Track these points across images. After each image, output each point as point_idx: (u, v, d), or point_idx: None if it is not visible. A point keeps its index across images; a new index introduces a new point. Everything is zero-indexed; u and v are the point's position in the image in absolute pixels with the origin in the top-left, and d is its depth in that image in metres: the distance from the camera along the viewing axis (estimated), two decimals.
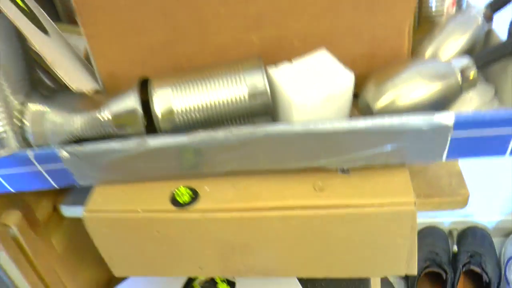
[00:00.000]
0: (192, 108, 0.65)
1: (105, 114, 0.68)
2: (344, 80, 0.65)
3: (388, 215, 0.63)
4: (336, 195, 0.65)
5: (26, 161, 0.68)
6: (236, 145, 0.63)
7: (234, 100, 0.65)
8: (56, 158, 0.67)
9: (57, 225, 0.98)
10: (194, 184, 0.70)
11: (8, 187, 0.73)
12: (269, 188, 0.68)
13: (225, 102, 0.65)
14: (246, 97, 0.65)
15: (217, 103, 0.65)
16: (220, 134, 0.63)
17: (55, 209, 0.95)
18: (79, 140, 0.69)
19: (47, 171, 0.70)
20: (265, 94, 0.65)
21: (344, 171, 0.69)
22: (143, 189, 0.71)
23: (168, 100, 0.66)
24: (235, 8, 0.69)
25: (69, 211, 0.93)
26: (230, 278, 0.92)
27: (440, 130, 0.59)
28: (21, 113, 0.70)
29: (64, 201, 0.94)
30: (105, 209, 0.70)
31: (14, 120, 0.70)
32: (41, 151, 0.68)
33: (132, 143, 0.64)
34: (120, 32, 0.71)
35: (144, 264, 0.78)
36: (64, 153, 0.67)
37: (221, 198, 0.67)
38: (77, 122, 0.69)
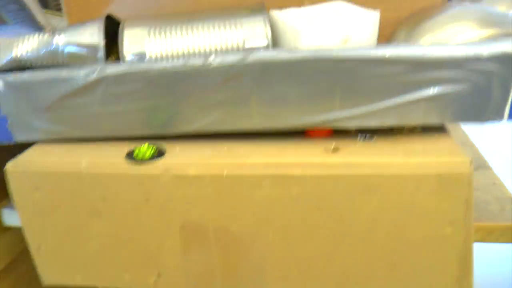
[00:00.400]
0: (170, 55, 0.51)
1: (60, 39, 0.53)
2: (366, 19, 0.51)
3: (430, 179, 0.44)
4: (355, 155, 0.47)
5: None
6: (220, 80, 0.47)
7: (227, 47, 0.51)
8: None
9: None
10: (164, 146, 0.52)
11: None
12: (260, 151, 0.50)
13: (215, 49, 0.50)
14: (242, 44, 0.51)
15: (203, 51, 0.51)
16: (198, 60, 0.47)
17: None
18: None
19: None
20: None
21: (366, 137, 0.51)
22: (94, 148, 0.53)
23: (141, 42, 0.52)
24: None
25: (12, 217, 0.73)
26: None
27: (506, 63, 0.42)
28: None
29: (8, 205, 0.75)
30: (38, 161, 0.51)
31: None
32: None
33: (84, 70, 0.48)
34: None
35: (81, 259, 0.56)
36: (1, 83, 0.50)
37: (194, 156, 0.49)
38: (23, 44, 0.54)
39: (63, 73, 0.50)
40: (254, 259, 0.51)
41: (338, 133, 0.52)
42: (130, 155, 0.50)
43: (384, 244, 0.47)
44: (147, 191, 0.49)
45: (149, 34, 0.53)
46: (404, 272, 0.49)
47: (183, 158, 0.50)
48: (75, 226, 0.54)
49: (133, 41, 0.54)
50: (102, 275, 0.56)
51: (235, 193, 0.48)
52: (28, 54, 0.54)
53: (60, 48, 0.53)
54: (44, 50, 0.53)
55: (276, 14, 0.54)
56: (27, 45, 0.54)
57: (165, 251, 0.53)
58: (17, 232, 0.75)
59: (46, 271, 0.57)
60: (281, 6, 0.58)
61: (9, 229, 0.80)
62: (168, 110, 0.51)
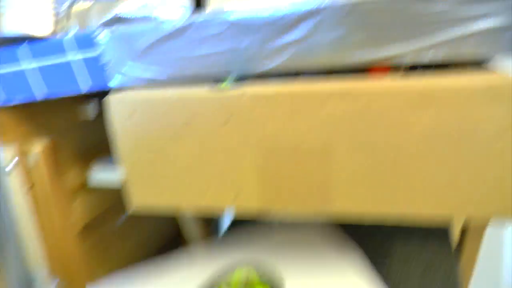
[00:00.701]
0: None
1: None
2: None
3: (481, 90, 0.49)
4: (412, 80, 0.54)
5: (60, 48, 0.63)
6: (288, 22, 0.55)
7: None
8: (92, 43, 0.62)
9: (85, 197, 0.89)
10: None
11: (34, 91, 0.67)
12: (329, 81, 0.58)
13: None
14: None
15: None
16: (266, 8, 0.55)
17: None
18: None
19: (79, 63, 0.64)
20: None
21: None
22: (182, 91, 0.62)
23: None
24: None
25: (97, 179, 0.85)
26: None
27: None
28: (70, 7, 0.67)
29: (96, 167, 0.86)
30: (132, 93, 0.62)
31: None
32: (79, 34, 0.63)
33: (178, 20, 0.58)
34: None
35: (166, 181, 0.65)
36: (103, 34, 0.61)
37: (267, 86, 0.57)
38: (121, 3, 0.64)
39: (154, 22, 0.60)
40: (322, 172, 0.59)
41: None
42: (212, 85, 0.60)
43: (442, 153, 0.53)
44: (227, 112, 0.58)
45: None
46: (461, 179, 0.55)
47: (259, 89, 0.58)
48: (162, 149, 0.63)
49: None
50: (185, 195, 0.66)
51: (306, 110, 0.56)
52: (126, 12, 0.64)
53: (151, 7, 0.62)
54: (139, 8, 0.63)
55: None
56: (124, 6, 0.64)
57: (243, 169, 0.61)
58: (101, 194, 0.87)
59: (135, 193, 0.67)
60: None
61: (94, 190, 0.90)
62: (247, 52, 0.59)
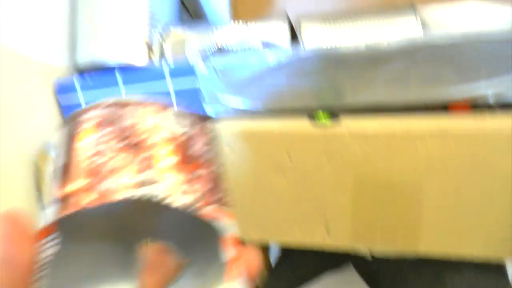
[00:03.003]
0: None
1: (250, 33, 0.69)
2: (500, 13, 0.64)
3: None
4: (498, 120, 0.58)
5: (153, 76, 0.69)
6: (388, 59, 0.61)
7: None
8: (187, 72, 0.67)
9: None
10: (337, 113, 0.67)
11: None
12: (420, 118, 0.62)
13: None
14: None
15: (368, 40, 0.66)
16: (369, 45, 0.61)
17: None
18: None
19: (173, 92, 0.70)
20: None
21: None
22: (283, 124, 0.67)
23: (317, 34, 0.67)
24: None
25: None
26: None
27: None
28: (163, 36, 0.73)
29: None
30: (232, 124, 0.66)
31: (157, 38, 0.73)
32: (174, 62, 0.68)
33: (274, 54, 0.63)
34: None
35: (259, 214, 0.69)
36: (201, 64, 0.66)
37: (367, 121, 0.63)
38: (218, 34, 0.70)
39: (255, 55, 0.66)
40: (413, 211, 0.64)
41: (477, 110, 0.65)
42: (311, 117, 0.65)
43: None
44: (328, 148, 0.63)
45: (323, 27, 0.68)
46: None
47: (358, 123, 0.63)
48: (259, 182, 0.67)
49: (310, 33, 0.69)
50: (274, 230, 0.70)
51: (403, 150, 0.61)
52: (226, 43, 0.70)
53: (251, 40, 0.69)
54: (238, 41, 0.69)
55: (424, 9, 0.68)
56: (223, 37, 0.70)
57: (336, 206, 0.66)
58: None
59: (240, 225, 0.71)
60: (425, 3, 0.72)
61: None
62: (341, 86, 0.65)
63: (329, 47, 0.64)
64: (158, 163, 0.23)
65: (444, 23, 0.66)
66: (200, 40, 0.72)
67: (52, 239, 0.22)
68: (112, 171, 0.22)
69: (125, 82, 0.72)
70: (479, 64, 0.60)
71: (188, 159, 0.24)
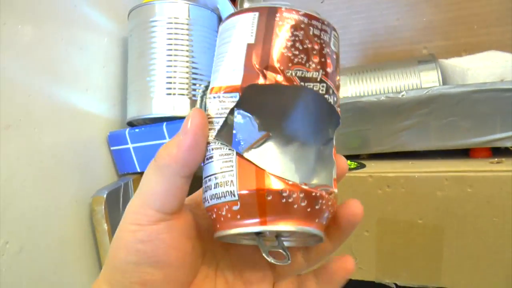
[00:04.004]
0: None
1: None
2: None
3: None
4: None
5: None
6: (407, 108, 0.68)
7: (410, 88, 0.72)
8: None
9: None
10: (362, 162, 0.73)
11: None
12: (439, 163, 0.69)
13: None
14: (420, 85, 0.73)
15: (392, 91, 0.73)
16: (392, 95, 0.68)
17: None
18: None
19: None
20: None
21: None
22: None
23: (343, 87, 0.75)
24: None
25: None
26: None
27: None
28: (205, 92, 0.83)
29: None
30: None
31: (200, 91, 0.82)
32: None
33: None
34: None
35: None
36: None
37: (388, 166, 0.69)
38: None
39: None
40: (433, 249, 0.69)
41: (497, 154, 0.70)
42: None
43: None
44: (354, 192, 0.70)
45: (349, 81, 0.76)
46: None
47: (381, 168, 0.70)
48: None
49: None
50: None
51: (422, 193, 0.67)
52: None
53: None
54: None
55: (444, 61, 0.75)
56: None
57: (362, 242, 0.72)
58: None
59: None
60: (445, 57, 0.79)
61: None
62: (365, 134, 0.72)
63: (352, 97, 0.72)
64: (324, 69, 0.30)
65: (464, 74, 0.72)
66: None
67: (231, 97, 0.30)
68: (296, 64, 0.29)
69: (171, 136, 0.81)
70: (496, 115, 0.66)
71: (336, 70, 0.32)
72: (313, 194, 0.29)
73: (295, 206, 0.28)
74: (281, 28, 0.30)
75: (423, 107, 0.69)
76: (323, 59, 0.31)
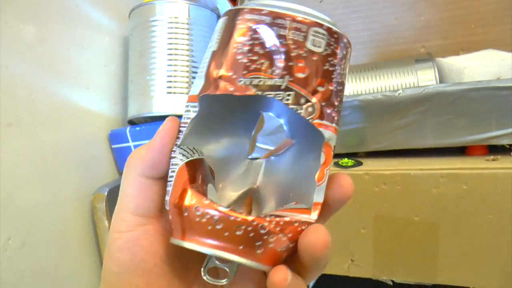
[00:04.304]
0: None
1: None
2: None
3: None
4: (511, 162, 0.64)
5: None
6: (404, 107, 0.69)
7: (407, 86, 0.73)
8: None
9: None
10: (360, 160, 0.74)
11: None
12: (435, 161, 0.70)
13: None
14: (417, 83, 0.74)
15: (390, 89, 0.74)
16: (387, 93, 0.69)
17: None
18: None
19: None
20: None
21: None
22: None
23: None
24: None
25: None
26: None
27: None
28: None
29: None
30: None
31: None
32: None
33: None
34: None
35: None
36: None
37: (385, 164, 0.70)
38: None
39: None
40: (429, 245, 0.69)
41: (493, 151, 0.71)
42: (336, 164, 0.73)
43: None
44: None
45: (347, 80, 0.77)
46: None
47: (377, 165, 0.71)
48: None
49: None
50: None
51: (418, 190, 0.68)
52: None
53: None
54: None
55: (441, 60, 0.76)
56: None
57: (359, 240, 0.73)
58: None
59: None
60: (442, 56, 0.80)
61: None
62: (363, 132, 0.73)
63: (350, 95, 0.73)
64: (292, 74, 0.27)
65: (461, 72, 0.73)
66: None
67: (194, 106, 0.29)
68: (253, 71, 0.27)
69: None
70: (491, 113, 0.67)
71: (316, 75, 0.28)
72: (231, 218, 0.27)
73: (209, 227, 0.27)
74: (239, 31, 0.28)
75: (420, 105, 0.69)
76: (290, 63, 0.27)
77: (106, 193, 0.81)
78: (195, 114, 0.29)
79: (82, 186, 0.84)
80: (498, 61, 0.72)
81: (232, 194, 0.34)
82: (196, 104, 0.29)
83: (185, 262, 0.32)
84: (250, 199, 0.35)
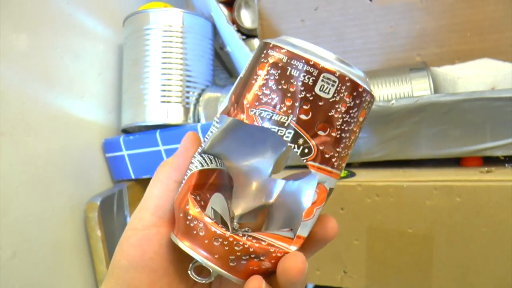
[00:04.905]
0: None
1: None
2: (509, 70, 0.70)
3: None
4: (506, 174, 0.64)
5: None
6: (397, 117, 0.68)
7: (401, 96, 0.73)
8: None
9: None
10: (353, 170, 0.74)
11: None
12: (429, 173, 0.70)
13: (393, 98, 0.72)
14: (411, 93, 0.73)
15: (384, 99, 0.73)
16: (382, 103, 0.69)
17: None
18: None
19: None
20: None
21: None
22: None
23: None
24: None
25: None
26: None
27: None
28: (198, 99, 0.84)
29: None
30: None
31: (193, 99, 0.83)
32: (207, 123, 0.78)
33: None
34: None
35: None
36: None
37: (379, 175, 0.70)
38: None
39: None
40: (423, 257, 0.69)
41: (488, 162, 0.71)
42: None
43: None
44: (343, 200, 0.70)
45: None
46: None
47: (370, 176, 0.70)
48: None
49: None
50: None
51: (411, 202, 0.67)
52: None
53: None
54: None
55: (436, 69, 0.75)
56: None
57: (352, 251, 0.72)
58: None
59: None
60: (438, 65, 0.79)
61: None
62: (356, 143, 0.73)
63: None
64: (296, 115, 0.28)
65: (455, 82, 0.72)
66: None
67: (217, 122, 0.32)
68: (263, 104, 0.29)
69: (164, 143, 0.82)
70: (486, 123, 0.66)
71: (319, 119, 0.29)
72: (212, 229, 0.30)
73: (194, 232, 0.30)
74: (262, 65, 0.30)
75: (414, 115, 0.69)
76: (296, 104, 0.28)
77: (99, 203, 0.81)
78: (216, 129, 0.32)
79: (75, 195, 0.84)
80: (493, 71, 0.72)
81: (246, 206, 0.38)
82: (217, 120, 0.32)
83: (187, 267, 0.35)
84: (264, 213, 0.38)
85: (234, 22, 1.00)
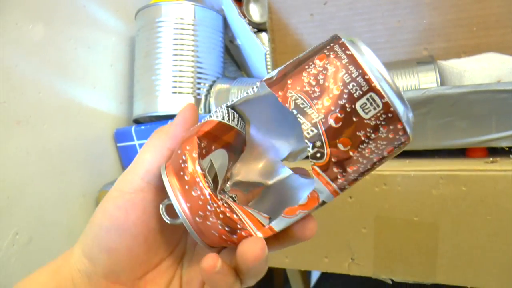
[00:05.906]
0: None
1: None
2: None
3: None
4: (511, 164, 0.66)
5: None
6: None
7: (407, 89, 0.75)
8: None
9: None
10: None
11: None
12: (435, 162, 0.71)
13: None
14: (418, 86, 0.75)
15: None
16: None
17: None
18: None
19: None
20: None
21: None
22: None
23: None
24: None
25: None
26: None
27: None
28: (209, 91, 0.86)
29: None
30: None
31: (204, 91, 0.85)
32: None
33: None
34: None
35: None
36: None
37: (386, 165, 0.71)
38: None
39: None
40: (429, 245, 0.71)
41: (493, 153, 0.73)
42: None
43: None
44: (352, 189, 0.71)
45: None
46: None
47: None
48: None
49: None
50: (306, 259, 0.79)
51: (418, 191, 0.69)
52: None
53: None
54: None
55: (442, 62, 0.77)
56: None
57: (360, 239, 0.74)
58: None
59: None
60: (444, 59, 0.81)
61: None
62: None
63: None
64: (326, 117, 0.28)
65: (461, 75, 0.75)
66: (241, 92, 0.84)
67: (257, 86, 0.32)
68: (303, 92, 0.28)
69: None
70: (491, 115, 0.68)
71: (345, 133, 0.28)
72: (196, 179, 0.30)
73: (181, 173, 0.31)
74: (322, 56, 0.29)
75: (421, 107, 0.71)
76: (333, 108, 0.28)
77: None
78: (253, 92, 0.32)
79: (88, 183, 0.86)
80: (498, 64, 0.74)
81: (246, 176, 0.38)
82: (259, 85, 0.32)
83: (166, 239, 0.35)
84: (258, 192, 0.38)
85: (243, 16, 1.02)
